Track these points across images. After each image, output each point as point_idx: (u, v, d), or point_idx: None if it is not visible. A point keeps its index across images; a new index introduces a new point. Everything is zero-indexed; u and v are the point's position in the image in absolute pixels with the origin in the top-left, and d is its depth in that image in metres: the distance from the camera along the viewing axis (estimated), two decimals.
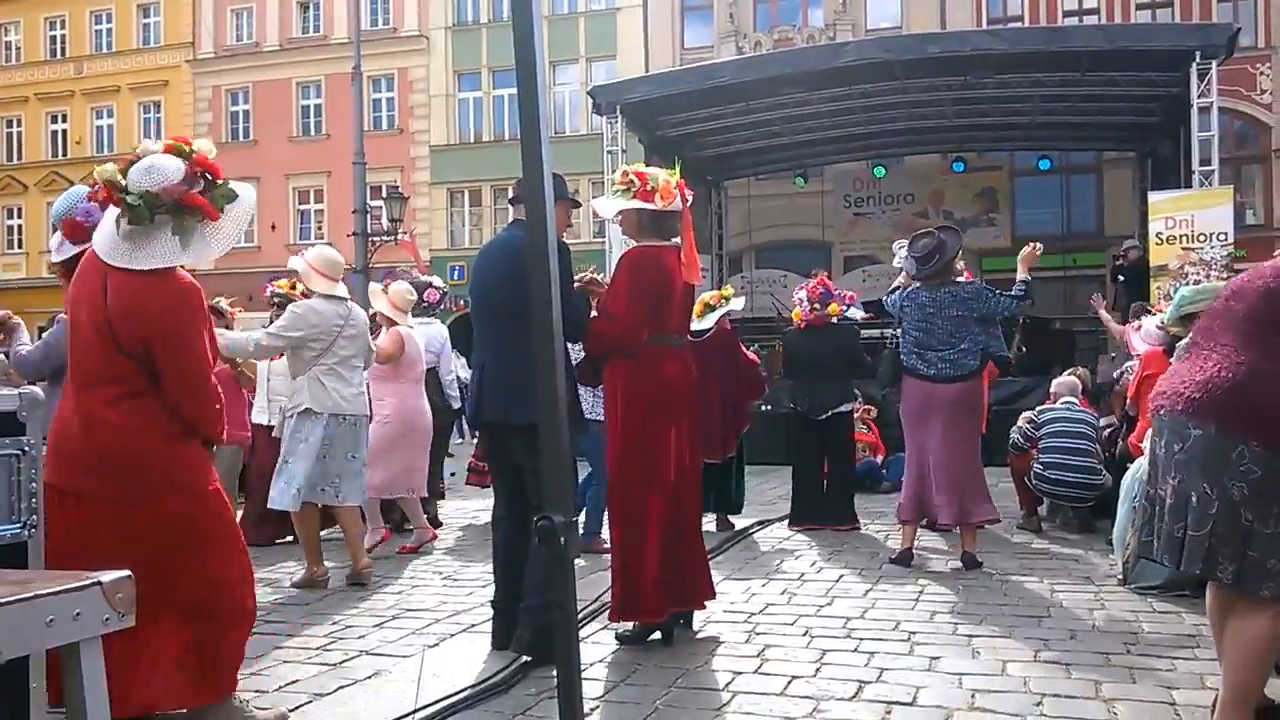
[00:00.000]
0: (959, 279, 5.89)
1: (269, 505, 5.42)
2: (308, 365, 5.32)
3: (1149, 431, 4.92)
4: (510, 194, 4.38)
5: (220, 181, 3.07)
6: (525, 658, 3.82)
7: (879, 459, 9.51)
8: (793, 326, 7.43)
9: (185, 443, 3.09)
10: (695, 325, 6.60)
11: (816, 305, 7.09)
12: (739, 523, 7.14)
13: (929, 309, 5.66)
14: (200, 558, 3.04)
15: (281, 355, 5.68)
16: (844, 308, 7.23)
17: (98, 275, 3.02)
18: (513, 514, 4.15)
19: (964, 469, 5.60)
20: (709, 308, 6.83)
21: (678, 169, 4.34)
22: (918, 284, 5.80)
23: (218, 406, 3.14)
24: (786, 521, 7.24)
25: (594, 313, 4.50)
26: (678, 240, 4.27)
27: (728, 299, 6.95)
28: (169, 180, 2.97)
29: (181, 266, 3.06)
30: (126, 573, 1.76)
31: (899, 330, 5.88)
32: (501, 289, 4.09)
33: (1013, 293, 5.79)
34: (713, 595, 4.38)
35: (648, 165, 4.37)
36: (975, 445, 5.77)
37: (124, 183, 2.99)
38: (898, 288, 6.06)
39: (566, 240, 4.11)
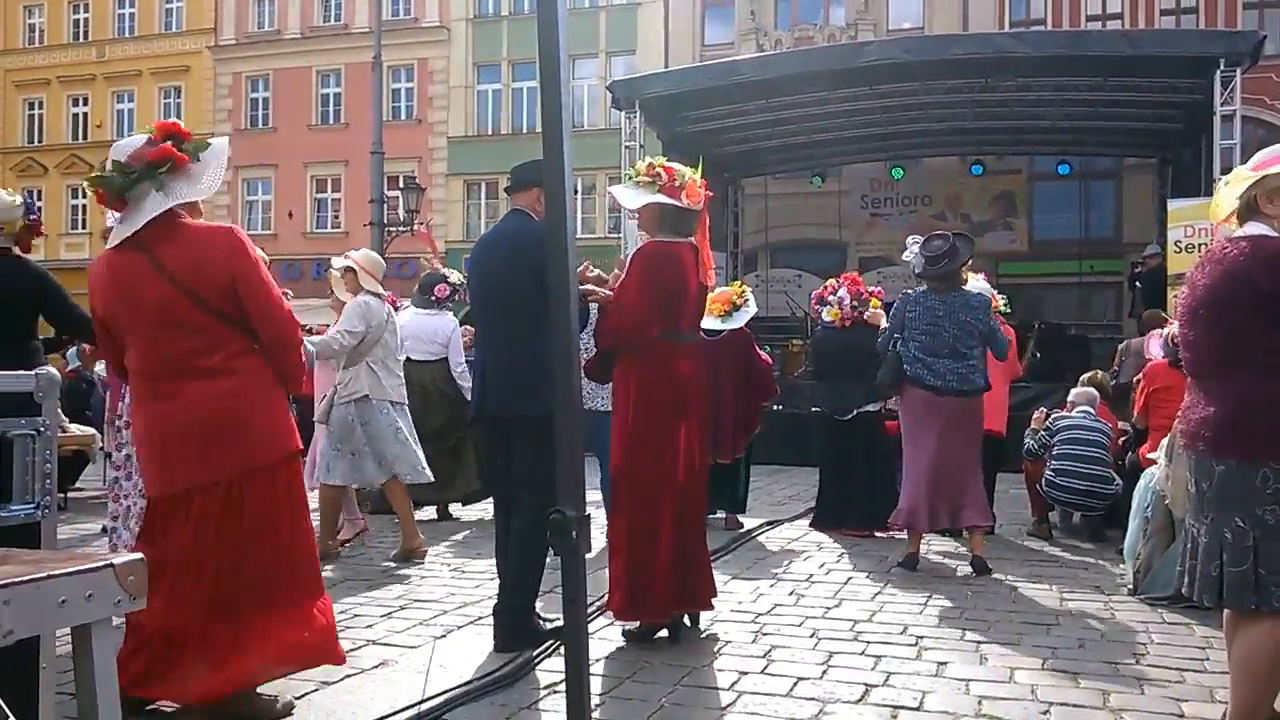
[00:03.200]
0: (966, 287, 5.87)
1: (361, 484, 6.02)
2: (361, 357, 5.76)
3: (1162, 442, 4.93)
4: (507, 182, 4.36)
5: (188, 138, 3.15)
6: (531, 651, 3.82)
7: None
8: (824, 325, 7.32)
9: (280, 403, 3.21)
10: (721, 324, 6.63)
11: (856, 303, 7.01)
12: (747, 522, 7.12)
13: (938, 312, 5.63)
14: (299, 524, 3.18)
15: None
16: (883, 302, 7.16)
17: (135, 266, 3.05)
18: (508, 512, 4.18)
19: (962, 475, 5.58)
20: (734, 306, 6.80)
21: (700, 167, 4.32)
22: (924, 288, 5.78)
23: (301, 347, 3.26)
24: (809, 522, 7.17)
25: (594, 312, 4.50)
26: (693, 239, 4.26)
27: (745, 296, 6.92)
28: (133, 148, 3.08)
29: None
30: (139, 556, 1.76)
31: (900, 337, 5.79)
32: (503, 280, 4.10)
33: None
34: (715, 595, 4.37)
35: (667, 161, 4.32)
36: (975, 452, 5.73)
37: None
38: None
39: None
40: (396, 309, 7.69)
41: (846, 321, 7.03)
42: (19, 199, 4.48)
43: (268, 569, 3.06)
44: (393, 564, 5.74)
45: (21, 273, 4.51)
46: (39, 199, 28.86)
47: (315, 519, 6.20)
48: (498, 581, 4.22)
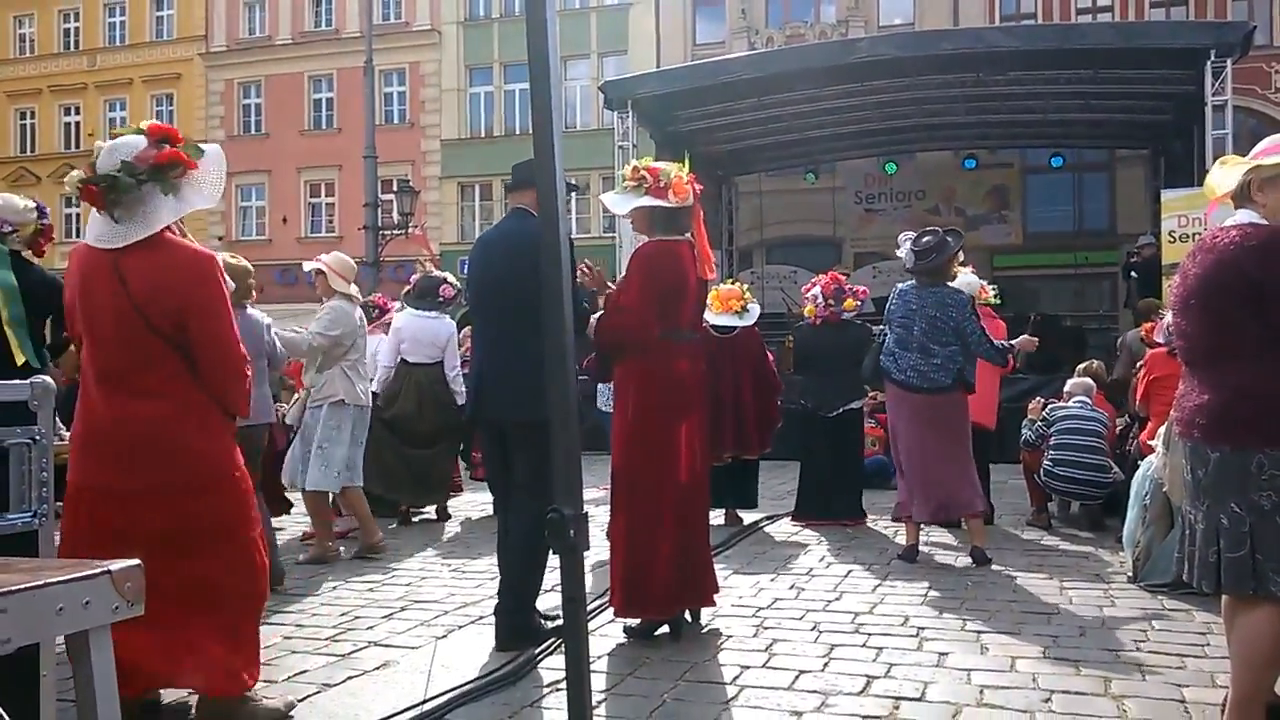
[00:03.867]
0: (953, 283, 5.88)
1: (307, 487, 5.92)
2: (335, 361, 5.85)
3: (1160, 430, 4.94)
4: (508, 180, 4.37)
5: (182, 142, 3.10)
6: (533, 650, 3.83)
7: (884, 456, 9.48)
8: (805, 322, 7.42)
9: (218, 425, 3.14)
10: (738, 320, 6.70)
11: (831, 301, 7.07)
12: (747, 517, 7.13)
13: (912, 306, 5.70)
14: (229, 544, 3.09)
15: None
16: (859, 303, 7.22)
17: (104, 269, 3.02)
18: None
19: (943, 467, 5.58)
20: (744, 306, 6.86)
21: (687, 163, 4.33)
22: (911, 281, 5.82)
23: (246, 378, 3.20)
24: (790, 514, 7.23)
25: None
26: (690, 236, 4.26)
27: (749, 298, 6.99)
28: (137, 150, 3.03)
29: (186, 237, 3.14)
30: (136, 562, 1.76)
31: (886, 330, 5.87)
32: (502, 281, 4.09)
33: (998, 344, 5.86)
34: (718, 591, 4.37)
35: (658, 160, 4.32)
36: (956, 445, 5.67)
37: (95, 174, 3.03)
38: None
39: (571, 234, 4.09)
40: (386, 311, 7.73)
41: (818, 319, 7.08)
42: (31, 203, 4.50)
43: (184, 589, 2.98)
44: (348, 577, 5.73)
45: (34, 276, 4.49)
46: None
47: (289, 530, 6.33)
48: (498, 581, 4.22)
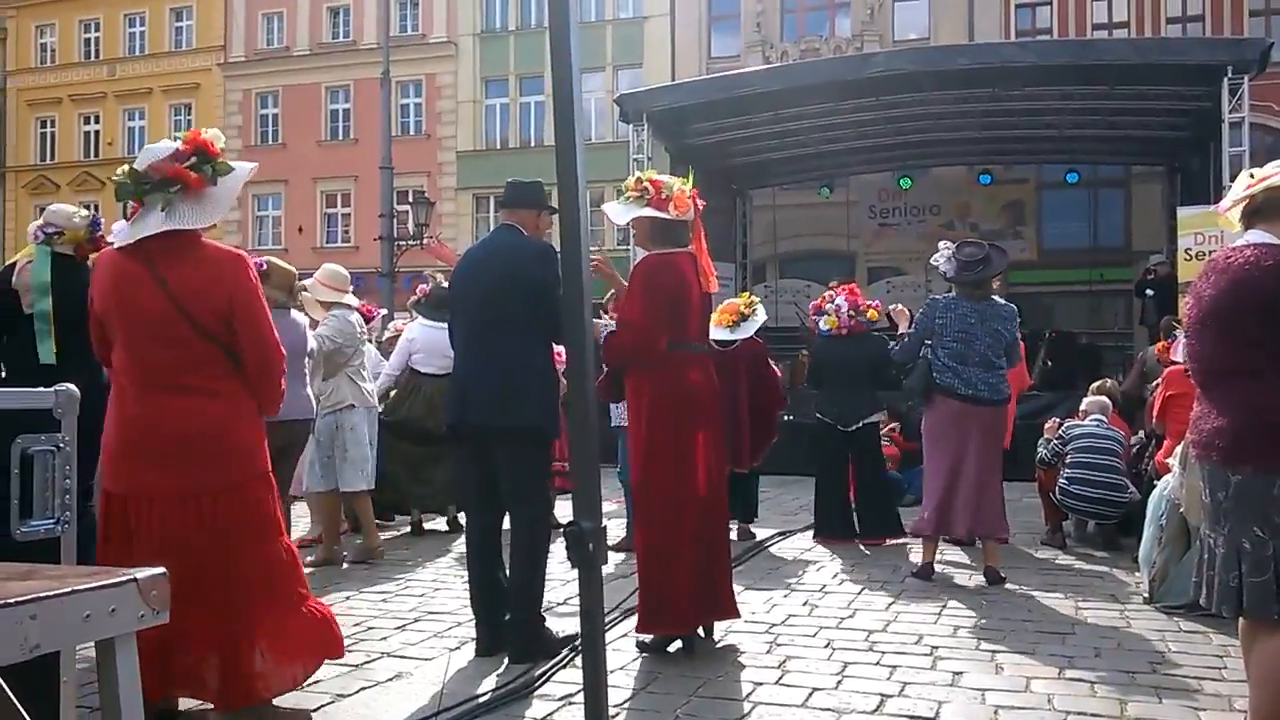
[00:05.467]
0: (995, 298, 5.85)
1: (344, 489, 6.16)
2: (340, 368, 6.13)
3: (1177, 449, 4.92)
4: (503, 197, 4.42)
5: (215, 158, 3.13)
6: (546, 662, 3.83)
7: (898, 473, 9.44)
8: (822, 335, 7.33)
9: (257, 424, 3.23)
10: (729, 335, 6.62)
11: (854, 312, 7.01)
12: (759, 533, 7.11)
13: (970, 319, 5.57)
14: (269, 540, 3.17)
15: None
16: (880, 316, 7.19)
17: (139, 273, 3.06)
18: (485, 523, 4.20)
19: (985, 484, 5.54)
20: (742, 316, 6.79)
21: (691, 177, 4.34)
22: (954, 294, 5.74)
23: (283, 376, 3.29)
24: (811, 533, 7.15)
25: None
26: (690, 248, 4.27)
27: (754, 306, 6.89)
28: (157, 158, 3.09)
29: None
30: (162, 570, 1.77)
31: (930, 344, 5.73)
32: (493, 293, 4.11)
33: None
34: (736, 605, 4.35)
35: (672, 173, 4.34)
36: (999, 462, 5.70)
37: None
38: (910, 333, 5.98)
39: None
40: (370, 319, 7.80)
41: (844, 330, 7.03)
42: (86, 212, 4.47)
43: (242, 580, 3.06)
44: (401, 575, 5.74)
45: (81, 278, 4.37)
46: None
47: (301, 531, 6.40)
48: (469, 590, 4.25)
